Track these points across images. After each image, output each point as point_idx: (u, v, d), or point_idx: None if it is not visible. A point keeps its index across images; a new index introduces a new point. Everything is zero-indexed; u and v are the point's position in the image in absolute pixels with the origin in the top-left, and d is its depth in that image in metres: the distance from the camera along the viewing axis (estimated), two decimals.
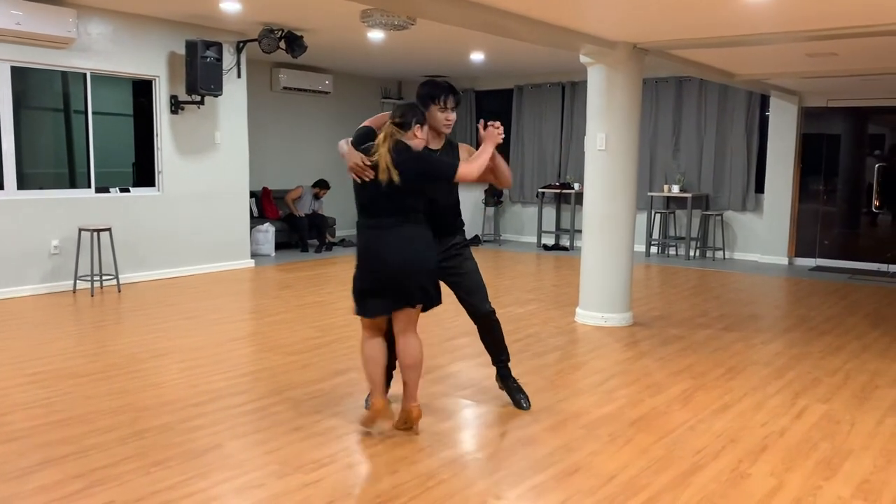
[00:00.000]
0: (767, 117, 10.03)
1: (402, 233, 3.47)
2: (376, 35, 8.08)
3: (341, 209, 11.58)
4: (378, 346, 3.63)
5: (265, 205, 10.36)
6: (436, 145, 3.75)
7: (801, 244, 10.04)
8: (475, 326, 3.98)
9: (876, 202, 9.51)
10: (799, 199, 10.04)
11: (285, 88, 10.68)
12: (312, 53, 9.21)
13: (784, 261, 9.99)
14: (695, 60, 7.08)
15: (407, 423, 3.64)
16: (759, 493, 3.05)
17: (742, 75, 8.10)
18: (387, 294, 3.52)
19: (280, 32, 7.93)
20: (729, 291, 7.82)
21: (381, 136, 3.47)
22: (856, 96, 9.51)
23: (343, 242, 10.75)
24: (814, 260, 9.94)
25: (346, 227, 11.69)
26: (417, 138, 3.52)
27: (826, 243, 9.90)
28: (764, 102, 10.03)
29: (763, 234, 10.14)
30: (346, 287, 7.52)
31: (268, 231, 9.66)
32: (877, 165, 9.50)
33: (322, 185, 10.47)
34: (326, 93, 11.26)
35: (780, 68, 7.69)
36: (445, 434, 3.65)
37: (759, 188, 10.16)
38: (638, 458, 3.37)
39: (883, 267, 9.45)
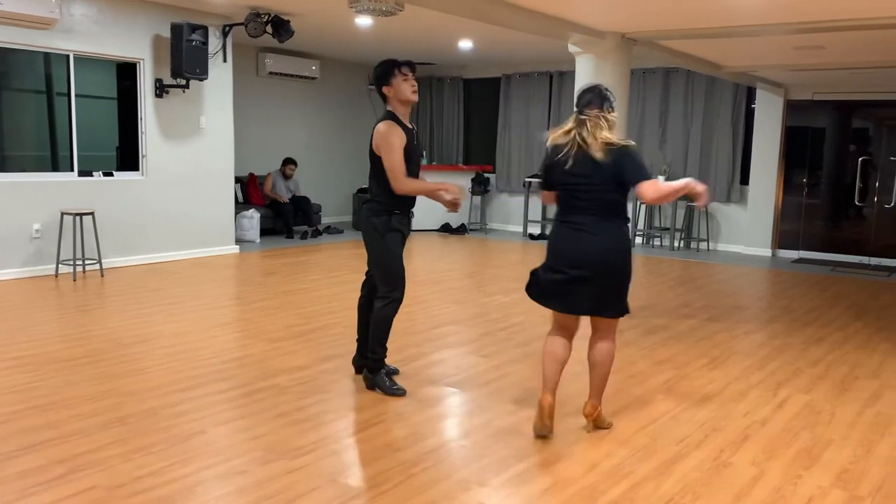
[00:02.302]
0: (753, 109, 10.07)
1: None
2: (364, 21, 8.02)
3: (327, 195, 11.53)
4: (560, 344, 3.55)
5: (250, 190, 10.30)
6: (407, 121, 3.96)
7: (785, 236, 10.11)
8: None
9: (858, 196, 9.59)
10: (783, 192, 10.10)
11: (271, 73, 10.60)
12: (299, 38, 9.13)
13: (768, 252, 10.07)
14: (683, 51, 7.09)
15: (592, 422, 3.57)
16: (741, 481, 3.08)
17: (729, 67, 8.12)
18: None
19: (267, 17, 7.85)
20: (713, 282, 7.87)
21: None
22: (841, 90, 9.56)
23: (329, 230, 10.70)
24: (797, 252, 10.02)
25: (331, 213, 11.65)
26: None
27: (813, 234, 9.98)
28: (750, 95, 10.07)
29: (747, 225, 10.20)
30: (332, 274, 7.51)
31: (253, 217, 9.60)
32: (860, 159, 9.57)
33: (288, 161, 10.36)
34: (313, 78, 11.18)
35: (767, 60, 7.72)
36: (430, 422, 3.65)
37: (745, 180, 10.21)
38: (620, 447, 3.39)
39: (864, 259, 9.54)
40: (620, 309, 3.52)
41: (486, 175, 11.59)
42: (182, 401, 3.82)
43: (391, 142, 3.81)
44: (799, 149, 10.01)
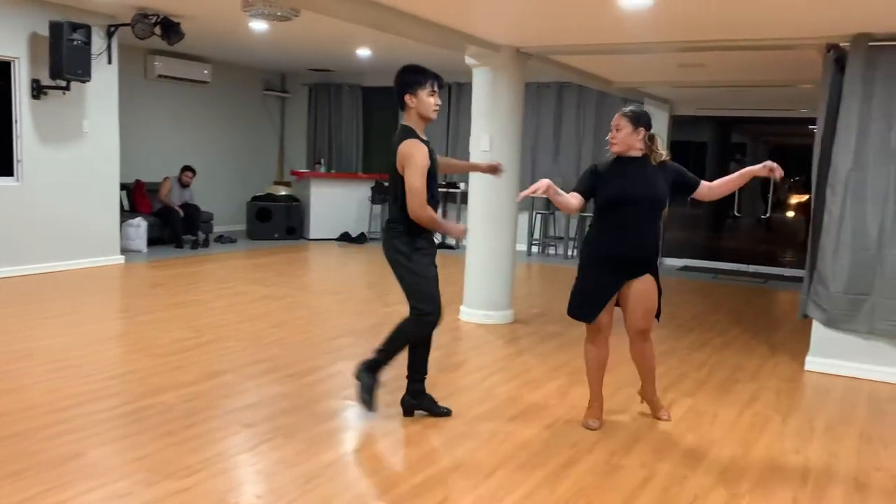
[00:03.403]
0: None
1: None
2: (259, 25, 7.85)
3: (220, 204, 11.18)
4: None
5: (137, 198, 9.85)
6: (423, 135, 3.68)
7: (671, 245, 10.58)
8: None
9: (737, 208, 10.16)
10: (669, 203, 10.55)
11: (161, 76, 10.19)
12: (190, 41, 8.83)
13: None
14: (575, 67, 7.31)
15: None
16: (631, 483, 3.17)
17: (618, 83, 8.44)
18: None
19: (155, 18, 7.54)
20: None
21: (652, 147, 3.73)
22: (722, 106, 10.11)
23: (222, 239, 10.37)
24: (682, 260, 10.50)
25: (224, 222, 11.30)
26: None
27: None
28: None
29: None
30: (224, 285, 7.27)
31: (139, 225, 9.18)
32: None
33: (186, 169, 10.01)
34: (205, 83, 10.84)
35: (654, 77, 8.07)
36: (327, 435, 3.58)
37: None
38: (517, 453, 3.43)
39: (743, 267, 10.11)
40: None
41: (385, 184, 11.53)
42: (60, 421, 3.58)
43: (417, 163, 3.51)
44: (683, 162, 10.37)
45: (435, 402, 3.89)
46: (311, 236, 11.10)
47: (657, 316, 3.90)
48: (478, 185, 6.18)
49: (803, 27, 4.86)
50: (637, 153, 3.76)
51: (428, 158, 3.57)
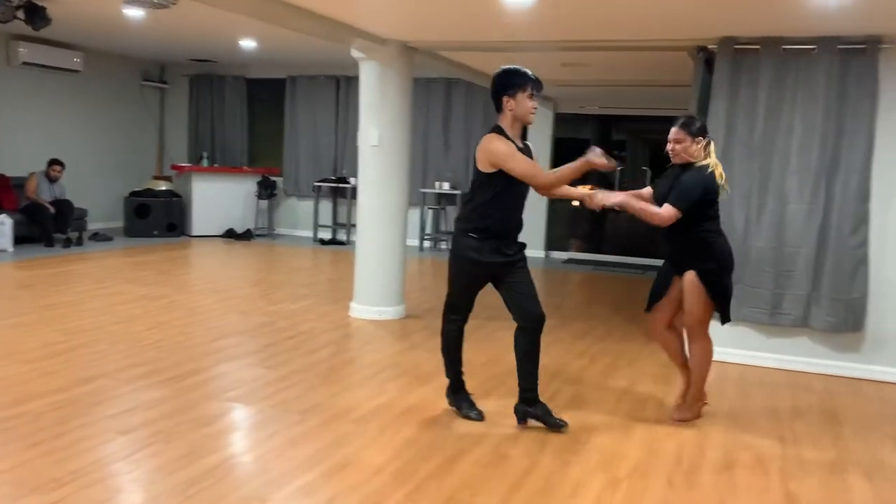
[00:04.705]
0: None
1: None
2: (135, 12, 7.46)
3: (94, 199, 10.58)
4: None
5: (2, 194, 9.18)
6: (518, 141, 3.61)
7: (556, 238, 10.89)
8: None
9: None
10: (552, 198, 10.85)
11: (26, 64, 9.52)
12: (59, 27, 8.29)
13: (541, 254, 10.77)
14: (461, 63, 7.38)
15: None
16: (516, 473, 3.24)
17: None
18: None
19: (18, 1, 7.04)
20: None
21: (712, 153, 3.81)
22: (603, 104, 10.48)
23: (97, 236, 9.82)
24: (566, 253, 10.83)
25: (99, 219, 10.71)
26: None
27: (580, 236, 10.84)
28: None
29: (523, 229, 10.82)
30: (100, 286, 6.90)
31: (4, 223, 8.56)
32: (618, 169, 10.55)
33: (54, 162, 9.40)
34: (76, 71, 10.22)
35: (539, 75, 8.22)
36: (209, 439, 3.46)
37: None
38: (406, 449, 3.44)
39: (624, 259, 10.53)
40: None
41: (272, 178, 11.28)
42: None
43: (501, 150, 3.46)
44: (566, 158, 10.71)
45: (549, 412, 3.77)
46: (194, 233, 10.70)
47: (722, 319, 4.01)
48: (367, 180, 6.13)
49: (675, 30, 5.10)
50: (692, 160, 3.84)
51: (510, 144, 3.53)
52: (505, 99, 3.56)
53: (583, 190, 3.99)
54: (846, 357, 5.07)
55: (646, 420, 4.00)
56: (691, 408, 4.05)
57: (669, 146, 3.86)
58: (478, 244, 3.60)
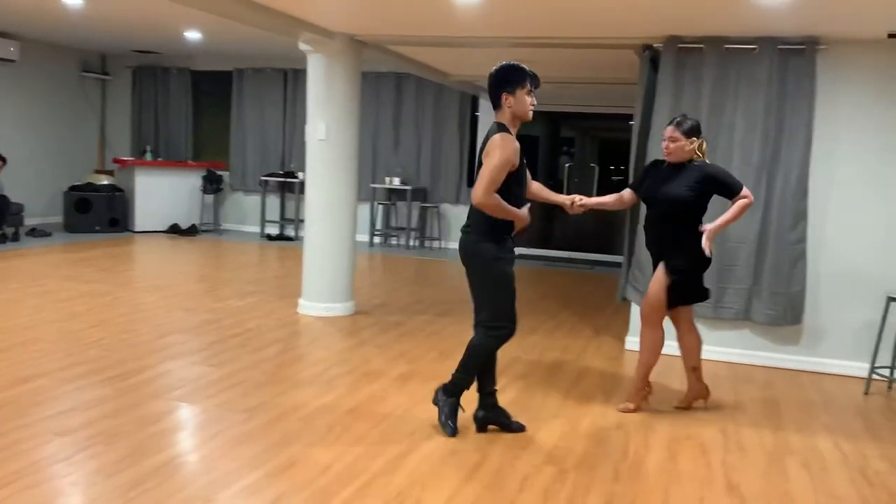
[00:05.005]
0: (478, 117, 10.77)
1: None
2: (73, 0, 7.23)
3: (31, 194, 10.22)
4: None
5: None
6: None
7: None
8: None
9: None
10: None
11: None
12: None
13: None
14: (411, 57, 7.35)
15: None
16: (466, 468, 3.25)
17: (455, 76, 8.59)
18: None
19: None
20: (445, 279, 8.28)
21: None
22: (552, 102, 10.57)
23: (34, 232, 9.50)
24: (516, 249, 10.88)
25: (37, 214, 10.36)
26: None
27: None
28: (474, 102, 10.75)
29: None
30: (37, 283, 6.68)
31: None
32: (567, 165, 10.68)
33: None
34: (12, 61, 9.86)
35: (488, 71, 8.26)
36: (152, 439, 3.38)
37: (471, 182, 10.83)
38: (354, 446, 3.41)
39: (572, 254, 10.66)
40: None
41: (218, 173, 11.08)
42: None
43: (500, 154, 3.34)
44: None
45: (508, 417, 3.74)
46: (137, 228, 10.45)
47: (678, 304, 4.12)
48: (315, 174, 6.07)
49: (622, 28, 5.16)
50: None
51: (517, 155, 3.43)
52: (504, 96, 3.49)
53: (563, 197, 4.13)
54: (786, 349, 5.22)
55: (593, 413, 4.05)
56: (633, 397, 4.13)
57: (664, 144, 3.99)
58: (497, 245, 3.53)
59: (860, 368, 5.02)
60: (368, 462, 3.24)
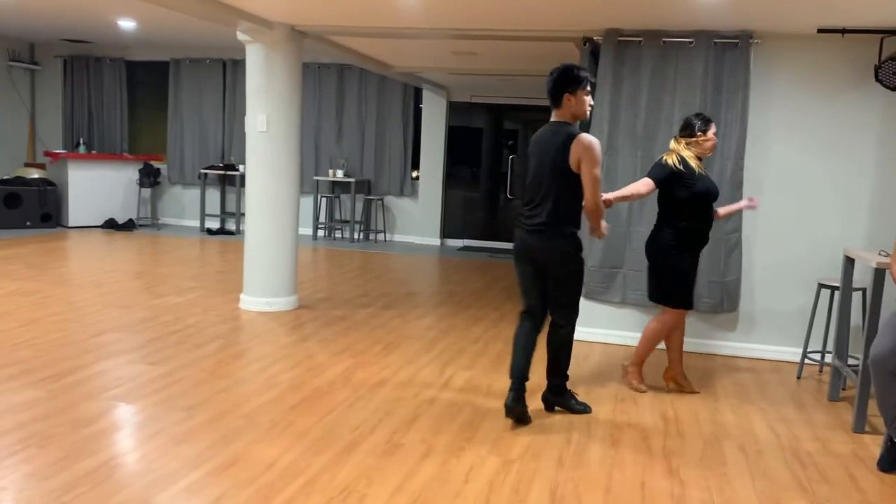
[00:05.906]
0: (421, 109, 10.74)
1: None
2: None
3: None
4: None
5: None
6: None
7: (451, 226, 10.97)
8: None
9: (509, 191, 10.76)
10: (448, 186, 10.95)
11: None
12: None
13: (437, 242, 10.83)
14: (352, 48, 7.27)
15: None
16: (411, 460, 3.24)
17: (397, 67, 8.54)
18: None
19: None
20: (389, 271, 8.25)
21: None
22: (495, 94, 10.62)
23: None
24: (462, 241, 10.93)
25: None
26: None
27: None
28: (418, 95, 10.72)
29: (419, 217, 10.87)
30: None
31: None
32: (510, 157, 10.74)
33: None
34: None
35: (430, 63, 8.26)
36: (87, 441, 3.27)
37: (408, 173, 10.87)
38: (297, 442, 3.37)
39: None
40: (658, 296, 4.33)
41: (156, 165, 10.79)
42: None
43: (598, 155, 3.58)
44: (460, 147, 10.93)
45: (575, 398, 4.04)
46: (71, 224, 10.10)
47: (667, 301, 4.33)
48: (256, 167, 5.95)
49: (562, 21, 5.20)
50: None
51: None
52: (567, 96, 3.65)
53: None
54: (723, 336, 5.36)
55: (537, 402, 4.09)
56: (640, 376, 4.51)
57: (714, 142, 4.31)
58: (579, 243, 3.76)
59: (793, 353, 5.19)
60: (312, 458, 3.21)
